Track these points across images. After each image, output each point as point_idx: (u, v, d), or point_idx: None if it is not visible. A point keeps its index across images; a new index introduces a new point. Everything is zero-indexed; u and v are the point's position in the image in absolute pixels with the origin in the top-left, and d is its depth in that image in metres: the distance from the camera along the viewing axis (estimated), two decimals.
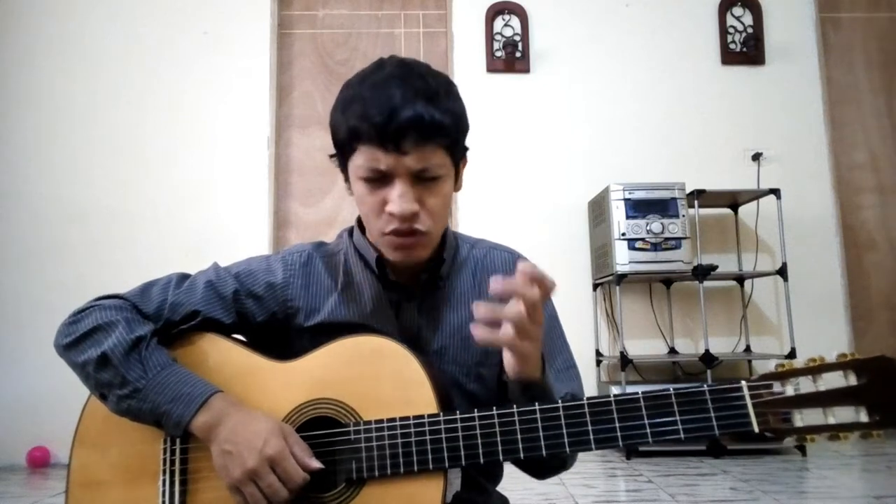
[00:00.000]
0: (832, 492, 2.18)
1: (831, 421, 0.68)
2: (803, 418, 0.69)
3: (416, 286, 0.93)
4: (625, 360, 2.87)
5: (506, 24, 3.49)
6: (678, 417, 0.73)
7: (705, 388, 0.73)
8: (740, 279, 3.31)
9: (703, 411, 0.73)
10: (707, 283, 3.00)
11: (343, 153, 0.88)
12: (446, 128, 0.82)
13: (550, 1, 3.52)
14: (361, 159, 0.83)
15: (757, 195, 3.21)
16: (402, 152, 0.80)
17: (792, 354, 2.92)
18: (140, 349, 0.83)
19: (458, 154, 0.88)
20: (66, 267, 3.21)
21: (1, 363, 3.15)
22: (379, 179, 0.83)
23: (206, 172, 3.35)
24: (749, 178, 3.38)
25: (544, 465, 0.91)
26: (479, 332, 0.75)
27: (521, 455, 0.76)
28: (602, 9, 3.53)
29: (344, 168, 0.90)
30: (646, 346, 3.27)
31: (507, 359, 0.78)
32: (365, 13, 3.59)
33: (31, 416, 3.07)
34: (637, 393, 0.75)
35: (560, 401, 0.77)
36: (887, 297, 3.45)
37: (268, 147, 3.38)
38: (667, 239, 2.93)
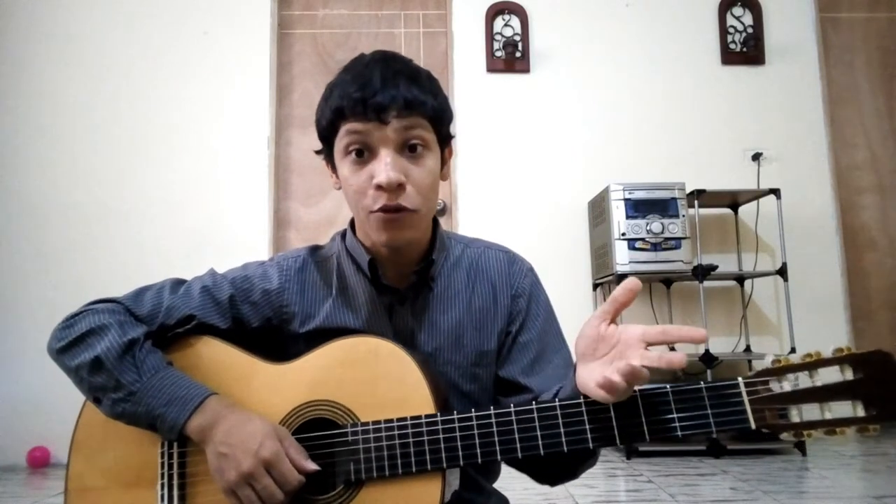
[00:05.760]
0: (832, 492, 2.17)
1: (828, 416, 0.68)
2: (800, 414, 0.69)
3: (408, 288, 0.93)
4: None
5: (506, 24, 3.49)
6: (675, 415, 0.73)
7: (702, 385, 0.73)
8: (740, 279, 3.30)
9: (701, 409, 0.73)
10: (707, 283, 3.00)
11: (328, 140, 0.89)
12: (428, 102, 0.84)
13: (550, 1, 3.51)
14: (346, 137, 0.84)
15: (757, 195, 3.21)
16: (384, 122, 0.81)
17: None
18: (134, 352, 0.82)
19: (442, 133, 0.89)
20: (66, 267, 3.21)
21: (1, 363, 3.15)
22: (364, 155, 0.83)
23: (206, 172, 3.35)
24: (749, 178, 3.38)
25: (561, 467, 0.86)
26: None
27: (519, 454, 0.76)
28: (602, 9, 3.53)
29: (330, 158, 0.91)
30: None
31: (604, 388, 0.70)
32: (365, 13, 3.59)
33: (31, 416, 3.06)
34: (634, 391, 0.75)
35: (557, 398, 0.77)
36: (887, 297, 3.44)
37: (268, 147, 3.39)
38: (667, 239, 2.93)
